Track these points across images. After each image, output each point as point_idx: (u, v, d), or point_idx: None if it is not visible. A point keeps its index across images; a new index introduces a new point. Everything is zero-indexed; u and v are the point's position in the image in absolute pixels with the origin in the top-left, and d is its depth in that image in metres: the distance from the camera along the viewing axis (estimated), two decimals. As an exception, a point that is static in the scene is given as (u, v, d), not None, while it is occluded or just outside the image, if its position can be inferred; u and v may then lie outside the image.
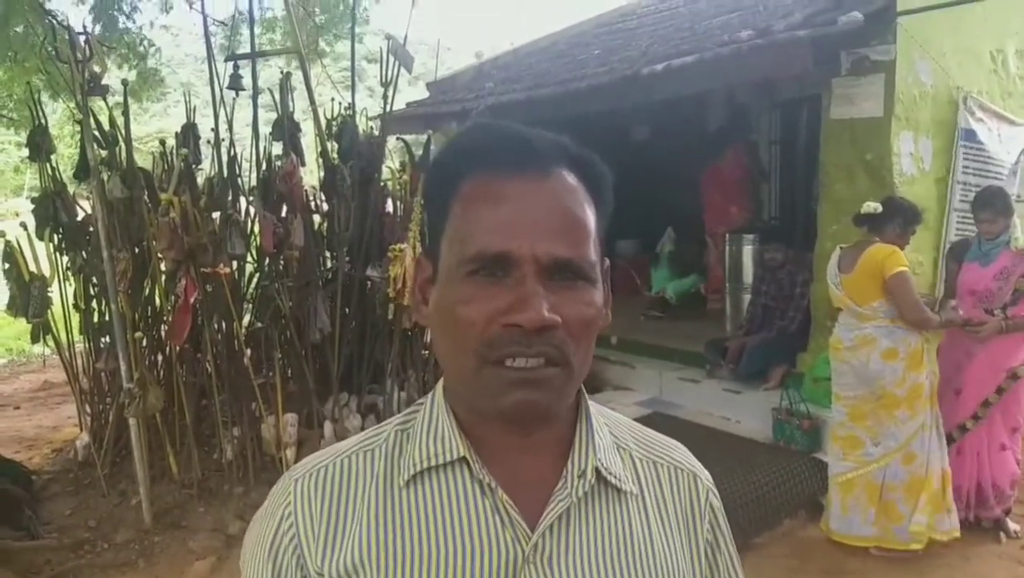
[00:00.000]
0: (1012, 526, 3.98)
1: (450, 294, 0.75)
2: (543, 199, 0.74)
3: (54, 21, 4.66)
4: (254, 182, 4.77)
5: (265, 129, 4.90)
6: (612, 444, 0.85)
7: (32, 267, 4.45)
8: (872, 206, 3.76)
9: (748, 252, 6.32)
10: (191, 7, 8.98)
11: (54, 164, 4.69)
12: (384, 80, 5.06)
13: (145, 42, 8.38)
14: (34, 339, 4.65)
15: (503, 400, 0.73)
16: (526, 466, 0.79)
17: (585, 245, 0.75)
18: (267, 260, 4.73)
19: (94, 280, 4.68)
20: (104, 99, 4.65)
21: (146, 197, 4.47)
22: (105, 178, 4.26)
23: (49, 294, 4.49)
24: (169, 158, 4.74)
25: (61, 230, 4.65)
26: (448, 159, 0.79)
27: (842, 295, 3.84)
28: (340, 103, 5.27)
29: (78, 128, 4.32)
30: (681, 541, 0.84)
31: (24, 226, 4.55)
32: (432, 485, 0.78)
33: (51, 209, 4.56)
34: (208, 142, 4.81)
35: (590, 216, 0.77)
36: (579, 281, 0.74)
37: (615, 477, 0.82)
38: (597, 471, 0.80)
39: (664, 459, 0.88)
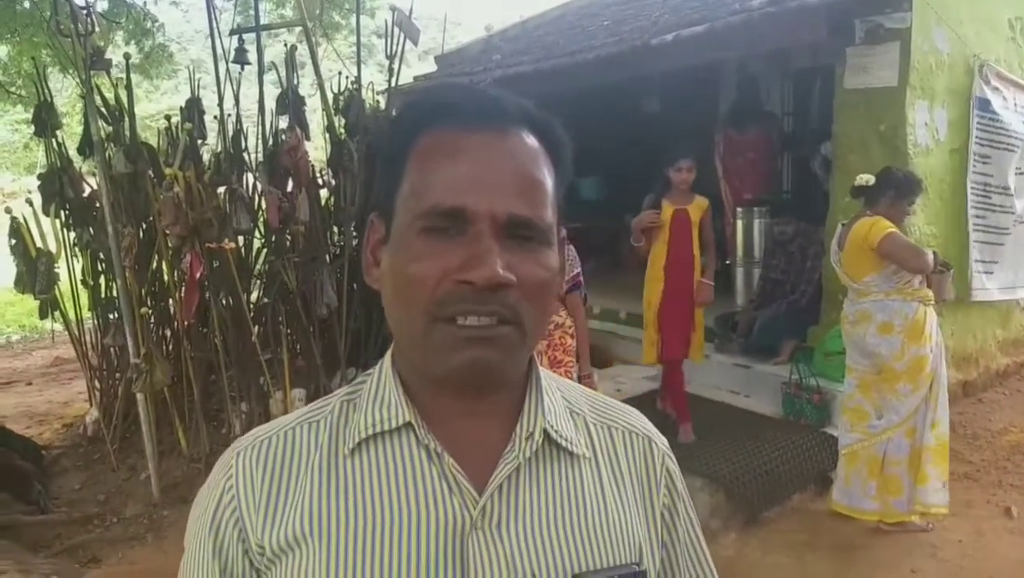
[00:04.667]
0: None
1: (402, 252, 0.72)
2: (503, 156, 0.72)
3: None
4: (261, 157, 4.73)
5: (272, 104, 4.86)
6: (565, 408, 0.83)
7: (39, 243, 4.45)
8: (865, 178, 3.68)
9: (759, 226, 6.26)
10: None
11: (60, 140, 4.68)
12: (390, 53, 5.01)
13: (150, 17, 8.30)
14: (42, 315, 4.67)
15: (454, 358, 0.71)
16: (474, 431, 0.77)
17: (544, 206, 0.73)
18: (273, 235, 4.71)
19: (101, 256, 4.68)
20: (109, 75, 4.62)
21: (151, 172, 4.45)
22: (109, 154, 4.24)
23: (56, 270, 4.49)
24: (174, 133, 4.71)
25: (67, 206, 4.65)
26: (406, 113, 0.77)
27: (841, 272, 3.79)
28: (347, 77, 5.23)
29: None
30: (637, 505, 0.82)
31: (30, 202, 4.55)
32: (377, 452, 0.76)
33: (57, 185, 4.56)
34: (214, 117, 4.78)
35: (549, 179, 0.75)
36: (535, 242, 0.73)
37: (565, 440, 0.80)
38: (546, 433, 0.78)
39: (619, 423, 0.86)
